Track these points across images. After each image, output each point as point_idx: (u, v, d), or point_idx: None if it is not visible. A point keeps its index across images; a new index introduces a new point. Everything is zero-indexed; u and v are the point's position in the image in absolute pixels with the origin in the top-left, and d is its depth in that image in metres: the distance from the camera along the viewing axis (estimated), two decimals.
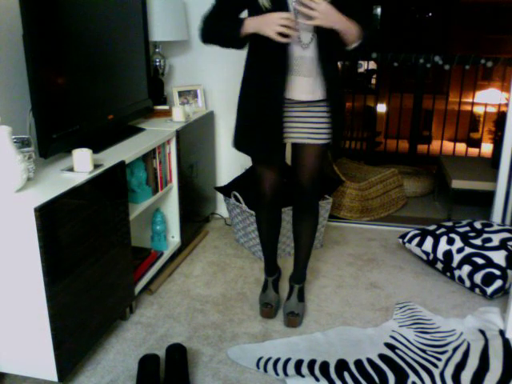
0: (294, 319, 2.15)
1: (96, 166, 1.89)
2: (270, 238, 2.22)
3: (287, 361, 1.93)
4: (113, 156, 2.06)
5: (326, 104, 1.91)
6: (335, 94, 1.91)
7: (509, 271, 2.37)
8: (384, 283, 2.53)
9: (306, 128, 1.94)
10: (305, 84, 1.86)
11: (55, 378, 1.72)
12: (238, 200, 2.78)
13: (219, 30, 1.85)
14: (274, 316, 2.22)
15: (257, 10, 1.78)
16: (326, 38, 1.81)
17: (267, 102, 1.87)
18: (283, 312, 2.21)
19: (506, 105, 3.03)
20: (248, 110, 1.94)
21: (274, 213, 2.16)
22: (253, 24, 1.76)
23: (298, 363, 1.91)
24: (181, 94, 2.98)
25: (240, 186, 2.85)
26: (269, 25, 1.71)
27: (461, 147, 5.31)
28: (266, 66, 1.86)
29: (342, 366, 1.90)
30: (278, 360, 1.93)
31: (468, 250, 2.47)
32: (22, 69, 1.92)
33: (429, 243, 2.61)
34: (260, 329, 2.15)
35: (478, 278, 2.38)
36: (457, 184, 3.35)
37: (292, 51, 1.81)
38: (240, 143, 2.00)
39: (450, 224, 2.72)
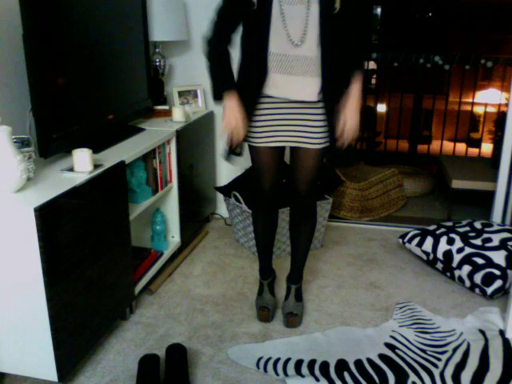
0: (293, 319, 2.15)
1: (96, 166, 1.88)
2: (265, 239, 2.21)
3: (287, 361, 1.93)
4: (113, 156, 2.06)
5: (323, 105, 1.87)
6: (334, 95, 1.85)
7: (509, 271, 2.37)
8: (384, 283, 2.53)
9: (303, 132, 1.90)
10: (299, 83, 1.82)
11: (55, 378, 1.72)
12: (238, 200, 2.78)
13: (213, 64, 1.86)
14: (272, 319, 2.21)
15: (245, 7, 1.75)
16: (330, 38, 1.76)
17: (246, 100, 1.86)
18: (282, 313, 2.21)
19: (506, 105, 3.03)
20: None
21: (271, 213, 2.16)
22: (226, 103, 1.83)
23: (298, 363, 1.91)
24: (181, 94, 2.98)
25: (240, 186, 2.84)
26: (227, 116, 1.83)
27: (461, 147, 5.31)
28: (250, 65, 1.86)
29: (342, 365, 1.90)
30: (278, 360, 1.93)
31: (468, 250, 2.47)
32: (22, 69, 1.91)
33: (429, 243, 2.61)
34: (260, 329, 2.15)
35: (477, 277, 2.38)
36: (457, 184, 3.35)
37: (281, 49, 1.78)
38: None
39: (450, 224, 2.71)
